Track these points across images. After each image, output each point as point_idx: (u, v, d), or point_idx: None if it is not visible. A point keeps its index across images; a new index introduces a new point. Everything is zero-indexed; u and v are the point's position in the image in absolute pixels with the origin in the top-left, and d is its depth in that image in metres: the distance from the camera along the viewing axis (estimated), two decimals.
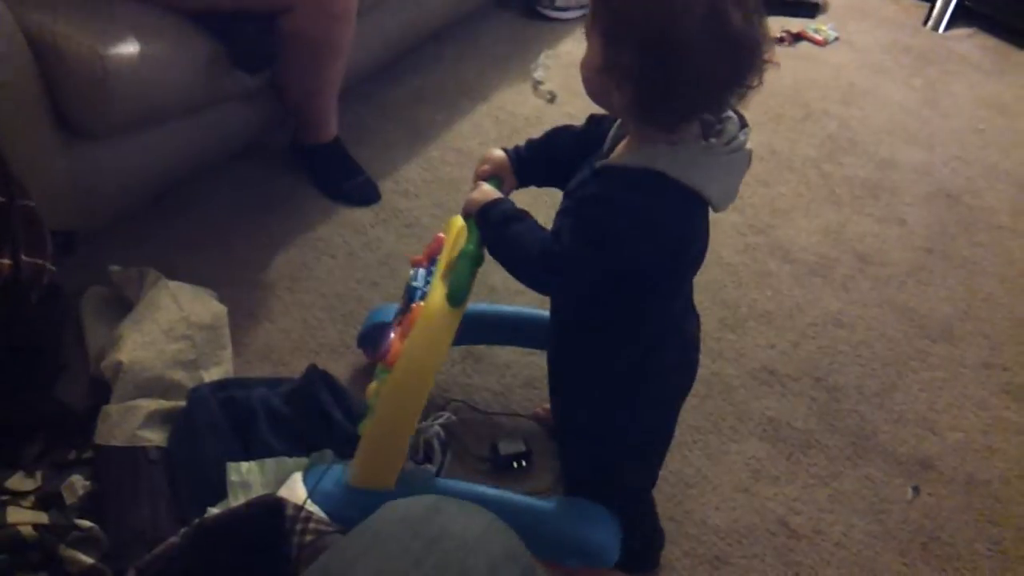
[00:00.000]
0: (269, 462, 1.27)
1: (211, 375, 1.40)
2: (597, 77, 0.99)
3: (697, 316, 1.21)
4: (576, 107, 2.24)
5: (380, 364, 1.19)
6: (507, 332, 1.53)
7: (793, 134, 2.31)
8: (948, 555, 1.41)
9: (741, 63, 0.95)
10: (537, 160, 1.22)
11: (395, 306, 1.49)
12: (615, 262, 1.04)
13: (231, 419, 1.30)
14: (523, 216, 1.09)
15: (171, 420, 1.34)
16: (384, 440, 1.18)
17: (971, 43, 2.87)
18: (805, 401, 1.62)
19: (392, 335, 1.17)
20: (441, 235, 1.27)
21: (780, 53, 2.67)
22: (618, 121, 1.10)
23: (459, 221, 1.24)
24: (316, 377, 1.37)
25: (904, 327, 1.80)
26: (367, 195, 1.94)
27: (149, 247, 1.70)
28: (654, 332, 1.13)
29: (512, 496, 1.30)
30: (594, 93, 1.02)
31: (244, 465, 1.25)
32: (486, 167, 1.22)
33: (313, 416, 1.34)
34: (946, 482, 1.52)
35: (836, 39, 2.77)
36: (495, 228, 1.10)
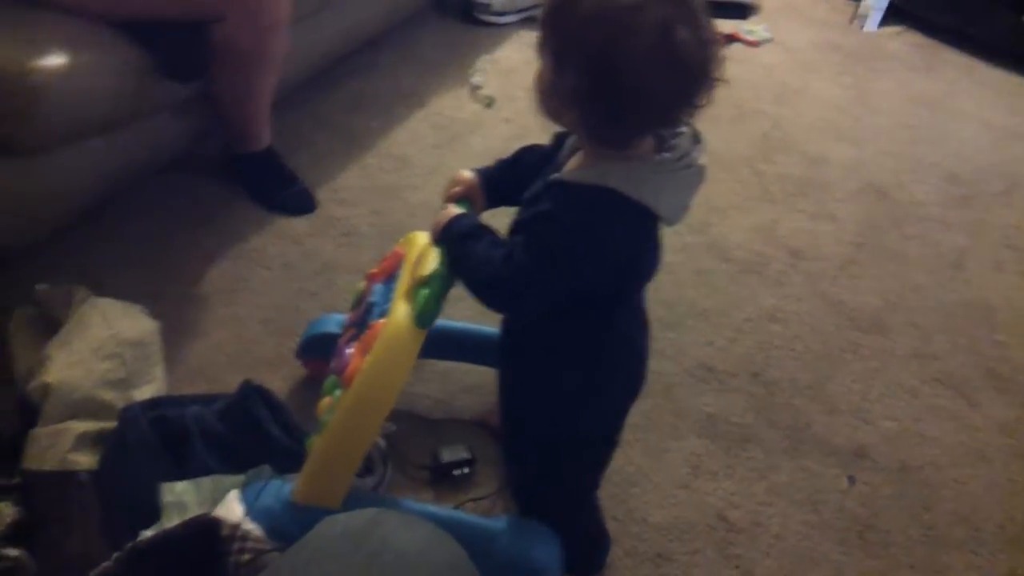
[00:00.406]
0: (205, 481, 1.25)
1: (143, 393, 1.38)
2: (548, 96, 0.99)
3: (647, 326, 1.21)
4: (514, 112, 2.24)
5: (332, 378, 1.18)
6: (452, 348, 1.51)
7: (728, 134, 2.34)
8: (884, 542, 1.44)
9: (689, 84, 0.95)
10: (506, 180, 1.21)
11: (336, 316, 1.48)
12: (566, 280, 1.03)
13: (164, 439, 1.28)
14: (482, 233, 1.09)
15: (102, 442, 1.31)
16: (336, 458, 1.16)
17: (899, 41, 2.94)
18: (742, 396, 1.65)
19: (349, 350, 1.15)
20: (400, 250, 1.26)
21: None
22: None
23: (420, 237, 1.23)
24: (252, 392, 1.36)
25: (836, 320, 1.83)
26: (303, 204, 1.92)
27: (79, 263, 1.67)
28: (604, 345, 1.13)
29: (455, 514, 1.31)
30: (546, 111, 1.02)
31: (178, 485, 1.23)
32: (457, 188, 1.22)
33: (249, 432, 1.32)
34: (880, 470, 1.55)
35: (769, 40, 2.81)
36: (455, 245, 1.10)
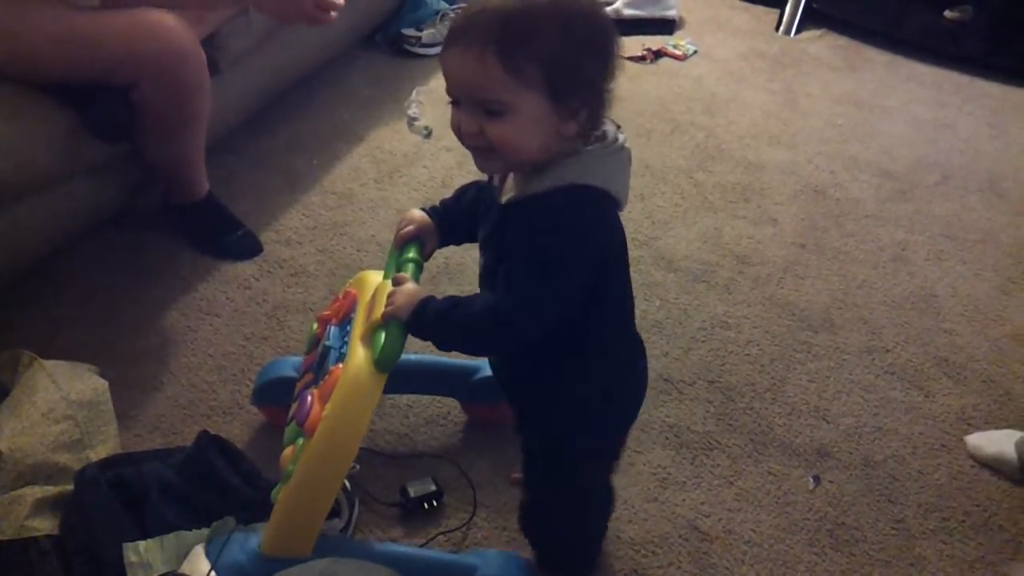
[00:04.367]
0: (168, 538, 1.22)
1: (98, 454, 1.35)
2: (538, 128, 0.98)
3: (644, 354, 1.24)
4: (453, 141, 2.21)
5: (292, 426, 1.16)
6: (412, 382, 1.50)
7: (663, 147, 2.37)
8: (855, 539, 1.46)
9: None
10: (455, 217, 1.22)
11: (290, 360, 1.46)
12: (565, 284, 1.03)
13: (124, 498, 1.25)
14: (455, 303, 1.06)
15: (60, 506, 1.28)
16: (303, 508, 1.14)
17: (822, 44, 3.01)
18: (702, 404, 1.66)
19: (310, 398, 1.13)
20: (352, 291, 1.25)
21: (643, 70, 2.75)
22: None
23: (371, 277, 1.22)
24: (208, 443, 1.33)
25: (787, 322, 1.86)
26: (247, 248, 1.90)
27: (23, 327, 1.63)
28: (606, 371, 1.15)
29: (429, 554, 1.31)
30: (536, 151, 1.00)
31: (142, 544, 1.20)
32: (409, 228, 1.21)
33: (209, 484, 1.29)
34: (844, 468, 1.57)
35: (695, 52, 2.87)
36: (435, 329, 1.07)
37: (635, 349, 1.22)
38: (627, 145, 1.06)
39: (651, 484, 1.51)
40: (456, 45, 0.97)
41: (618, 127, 1.06)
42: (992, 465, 1.58)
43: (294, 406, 1.18)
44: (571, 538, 1.33)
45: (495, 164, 1.04)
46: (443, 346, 1.11)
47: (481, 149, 1.01)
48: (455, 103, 1.01)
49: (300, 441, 1.12)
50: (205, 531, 1.23)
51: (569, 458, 1.22)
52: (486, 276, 1.11)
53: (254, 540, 1.17)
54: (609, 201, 1.04)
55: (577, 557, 1.37)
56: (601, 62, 0.99)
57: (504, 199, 1.06)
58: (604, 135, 1.04)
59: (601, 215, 1.04)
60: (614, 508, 1.36)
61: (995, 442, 1.59)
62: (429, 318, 1.06)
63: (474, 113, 0.99)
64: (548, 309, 1.04)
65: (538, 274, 1.01)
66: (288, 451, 1.15)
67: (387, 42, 2.67)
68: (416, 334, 1.09)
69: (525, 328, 1.06)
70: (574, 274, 1.03)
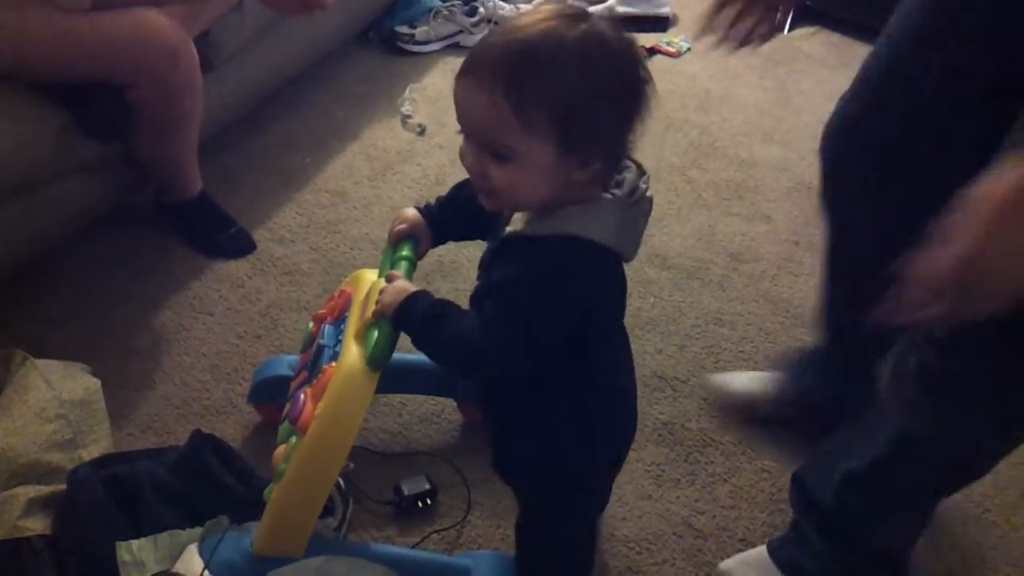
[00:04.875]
0: (162, 537, 1.22)
1: (91, 453, 1.34)
2: (545, 176, 0.93)
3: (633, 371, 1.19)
4: (447, 138, 2.25)
5: (285, 425, 1.15)
6: (405, 381, 1.50)
7: (657, 145, 2.37)
8: None
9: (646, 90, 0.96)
10: (449, 216, 1.19)
11: (286, 359, 1.46)
12: (546, 336, 0.99)
13: (117, 497, 1.25)
14: (442, 313, 1.02)
15: (53, 505, 1.27)
16: (295, 507, 1.14)
17: (815, 41, 3.01)
18: (696, 401, 1.66)
19: (303, 396, 1.13)
20: (347, 289, 1.24)
21: None
22: None
23: (366, 276, 1.21)
24: (202, 442, 1.33)
25: (780, 319, 1.86)
26: (241, 246, 1.90)
27: (15, 327, 1.63)
28: (596, 399, 1.10)
29: (422, 556, 1.31)
30: (537, 193, 0.95)
31: (135, 543, 1.20)
32: (403, 226, 1.18)
33: (202, 483, 1.29)
34: None
35: (688, 49, 2.87)
36: (419, 328, 1.04)
37: (618, 400, 1.15)
38: (649, 194, 1.01)
39: (645, 481, 1.51)
40: (468, 76, 0.92)
41: (643, 174, 1.01)
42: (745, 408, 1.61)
43: (287, 405, 1.18)
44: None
45: (498, 204, 0.99)
46: (419, 346, 1.06)
47: (484, 189, 0.97)
48: (464, 134, 0.96)
49: (293, 440, 1.12)
50: (198, 530, 1.23)
51: (540, 495, 1.19)
52: (475, 298, 1.05)
53: (247, 539, 1.17)
54: (610, 257, 0.99)
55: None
56: (624, 114, 0.93)
57: (507, 230, 1.02)
58: (622, 182, 0.98)
59: (591, 273, 0.99)
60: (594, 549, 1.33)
61: (740, 382, 1.62)
62: (415, 316, 1.03)
63: (480, 152, 0.94)
64: (516, 356, 0.99)
65: (518, 326, 0.97)
66: (281, 449, 1.14)
67: (380, 39, 2.67)
68: (400, 328, 1.07)
69: (492, 368, 1.04)
70: (546, 329, 0.98)
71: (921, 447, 1.13)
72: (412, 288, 1.06)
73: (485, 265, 1.08)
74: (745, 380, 1.63)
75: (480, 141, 0.93)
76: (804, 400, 1.53)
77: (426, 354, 1.07)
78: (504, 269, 1.00)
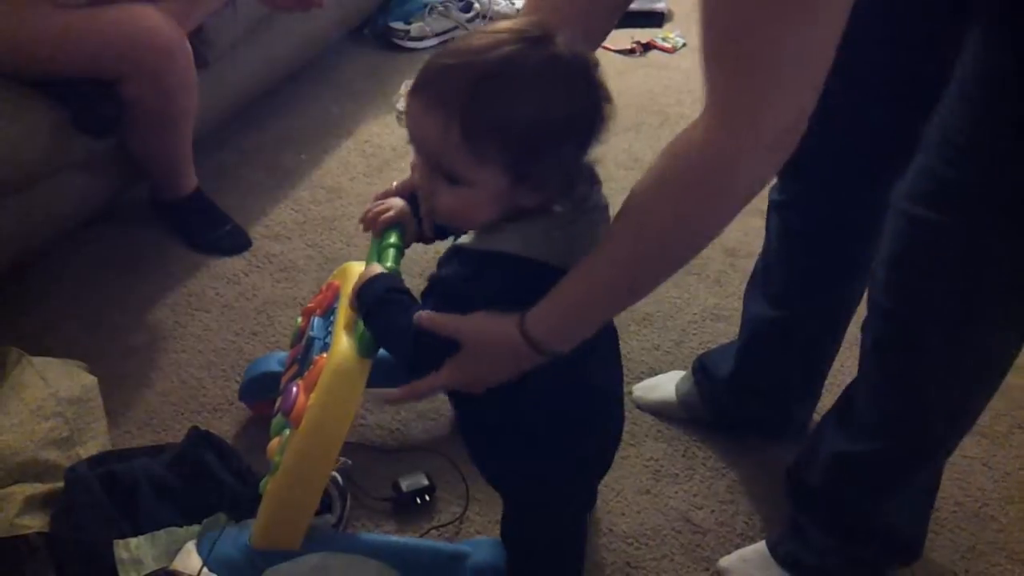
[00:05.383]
0: (160, 534, 1.22)
1: (88, 450, 1.34)
2: (494, 202, 0.90)
3: (619, 368, 1.16)
4: None
5: (279, 418, 1.15)
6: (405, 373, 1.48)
7: (653, 140, 2.37)
8: None
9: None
10: None
11: (277, 355, 1.46)
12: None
13: (114, 495, 1.25)
14: (396, 298, 1.01)
15: (51, 503, 1.27)
16: (291, 499, 1.13)
17: None
18: None
19: (295, 389, 1.12)
20: (335, 282, 1.24)
21: (632, 63, 2.75)
22: None
23: (354, 268, 1.20)
24: (199, 439, 1.33)
25: None
26: (236, 243, 1.90)
27: (10, 325, 1.62)
28: (571, 400, 1.04)
29: (422, 543, 1.30)
30: (483, 217, 0.92)
31: (132, 541, 1.20)
32: (390, 214, 1.15)
33: (200, 480, 1.29)
34: None
35: (684, 45, 2.86)
36: (367, 312, 1.03)
37: (591, 401, 1.08)
38: (604, 202, 0.97)
39: (643, 476, 1.51)
40: (420, 97, 0.88)
41: (596, 183, 0.97)
42: (659, 411, 1.61)
43: (279, 399, 1.17)
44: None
45: (443, 222, 0.99)
46: (369, 330, 1.05)
47: (430, 209, 0.96)
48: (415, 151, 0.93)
49: (287, 432, 1.11)
50: (196, 528, 1.23)
51: (518, 496, 1.17)
52: (424, 293, 1.03)
53: (245, 535, 1.17)
54: (546, 272, 0.92)
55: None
56: (581, 141, 0.89)
57: (456, 242, 0.99)
58: (571, 194, 0.94)
59: (523, 289, 0.93)
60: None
61: (657, 388, 1.63)
62: (368, 298, 1.02)
63: (431, 172, 0.91)
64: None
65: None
66: (275, 442, 1.13)
67: (375, 36, 2.66)
68: (358, 311, 1.05)
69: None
70: None
71: (891, 416, 1.15)
72: (379, 270, 1.04)
73: (441, 261, 1.04)
74: (663, 387, 1.63)
75: (430, 164, 0.91)
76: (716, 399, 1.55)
77: (377, 341, 1.05)
78: (447, 270, 0.98)
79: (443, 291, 0.97)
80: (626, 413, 1.59)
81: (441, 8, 2.66)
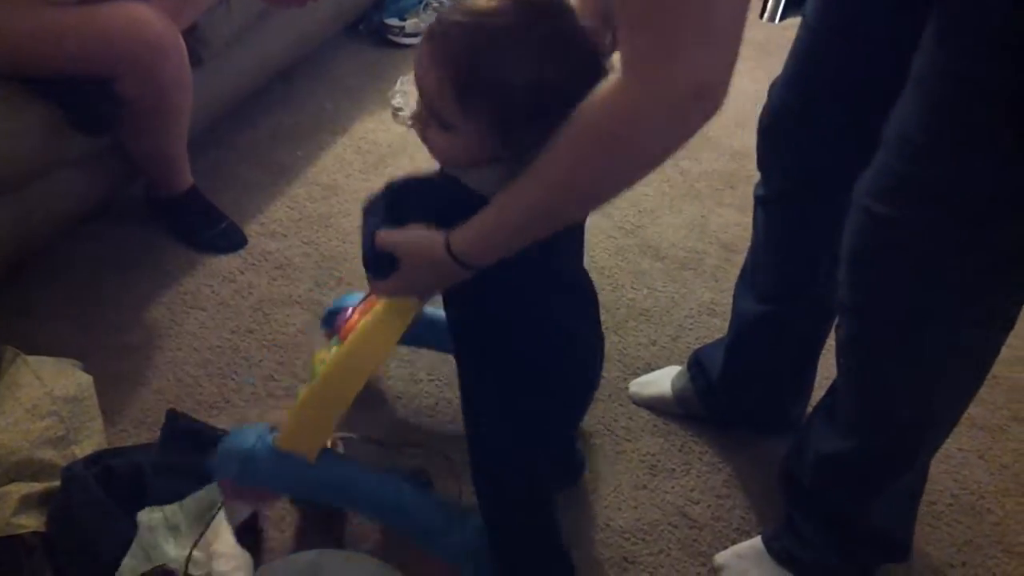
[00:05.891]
0: (186, 502, 1.24)
1: (83, 449, 1.34)
2: (478, 150, 0.97)
3: (589, 312, 1.18)
4: None
5: (335, 339, 1.22)
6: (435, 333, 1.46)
7: None
8: None
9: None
10: None
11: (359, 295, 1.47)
12: None
13: (113, 489, 1.25)
14: (372, 210, 1.12)
15: (47, 502, 1.27)
16: (318, 407, 1.19)
17: None
18: None
19: (351, 310, 1.20)
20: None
21: None
22: None
23: None
24: (176, 415, 1.39)
25: None
26: (232, 241, 1.89)
27: (6, 323, 1.62)
28: (537, 339, 1.09)
29: (427, 494, 1.32)
30: (466, 160, 0.99)
31: (167, 508, 1.23)
32: None
33: (195, 446, 1.32)
34: None
35: None
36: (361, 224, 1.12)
37: (561, 344, 1.12)
38: None
39: (640, 471, 1.51)
40: (428, 47, 0.93)
41: None
42: (655, 406, 1.61)
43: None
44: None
45: (432, 156, 1.03)
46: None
47: (423, 141, 1.01)
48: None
49: (334, 348, 1.18)
50: (215, 487, 1.24)
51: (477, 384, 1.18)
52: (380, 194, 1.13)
53: (271, 437, 1.21)
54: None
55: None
56: (569, 112, 0.89)
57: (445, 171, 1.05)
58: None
59: (455, 218, 1.00)
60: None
61: (653, 383, 1.63)
62: (363, 210, 1.12)
63: (427, 111, 0.97)
64: None
65: None
66: (323, 353, 1.20)
67: (370, 32, 2.66)
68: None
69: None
70: None
71: (864, 413, 1.16)
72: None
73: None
74: (659, 382, 1.63)
75: (427, 106, 0.96)
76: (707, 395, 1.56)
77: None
78: (404, 180, 1.08)
79: (391, 198, 1.08)
80: (621, 409, 1.61)
81: (436, 4, 2.65)
